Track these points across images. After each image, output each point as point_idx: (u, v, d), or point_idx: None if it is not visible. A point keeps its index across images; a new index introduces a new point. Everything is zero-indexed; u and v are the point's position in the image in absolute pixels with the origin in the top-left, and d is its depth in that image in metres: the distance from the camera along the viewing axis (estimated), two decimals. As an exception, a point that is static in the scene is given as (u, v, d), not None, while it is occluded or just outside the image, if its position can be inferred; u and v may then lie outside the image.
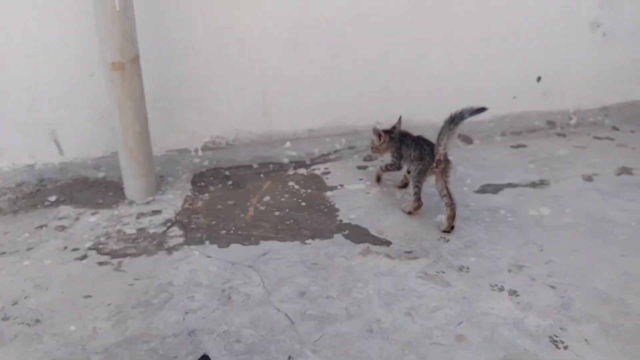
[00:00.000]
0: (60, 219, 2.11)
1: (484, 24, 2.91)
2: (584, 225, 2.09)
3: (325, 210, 2.23)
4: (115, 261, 1.84)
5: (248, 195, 2.37)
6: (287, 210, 2.23)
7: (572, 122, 3.30)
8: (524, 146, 2.98)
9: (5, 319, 1.54)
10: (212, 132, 2.69)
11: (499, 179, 2.54)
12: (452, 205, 2.03)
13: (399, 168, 2.30)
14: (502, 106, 3.21)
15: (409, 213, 2.17)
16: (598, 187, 2.44)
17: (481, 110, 1.98)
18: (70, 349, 1.43)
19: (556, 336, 1.48)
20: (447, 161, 2.05)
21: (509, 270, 1.79)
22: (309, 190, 2.42)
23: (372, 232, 2.05)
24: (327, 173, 2.61)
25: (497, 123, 3.22)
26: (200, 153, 2.68)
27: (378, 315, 1.57)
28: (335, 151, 2.84)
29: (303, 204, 2.29)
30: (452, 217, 2.03)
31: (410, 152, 2.16)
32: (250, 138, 2.77)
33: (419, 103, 2.99)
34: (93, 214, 2.16)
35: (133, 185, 2.24)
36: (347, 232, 2.05)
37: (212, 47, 2.45)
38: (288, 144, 2.83)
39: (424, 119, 3.03)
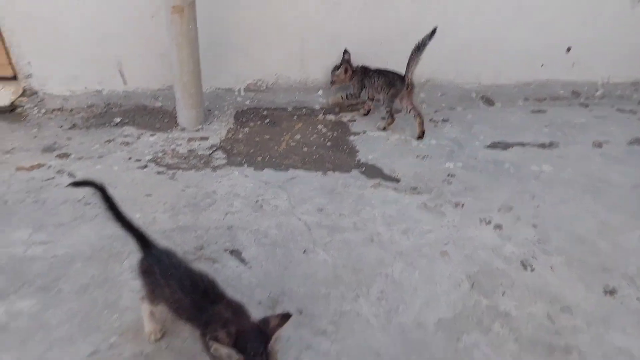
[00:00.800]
0: (125, 136, 2.52)
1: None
2: (580, 183, 2.32)
3: (347, 150, 2.54)
4: (170, 172, 2.23)
5: (282, 133, 2.70)
6: (314, 147, 2.56)
7: (598, 93, 3.40)
8: (543, 112, 3.15)
9: (86, 204, 1.96)
10: (254, 76, 3.01)
11: (511, 137, 2.76)
12: (420, 115, 2.61)
13: (358, 97, 2.80)
14: (528, 73, 3.36)
15: (384, 129, 2.72)
16: (605, 152, 2.62)
17: (434, 32, 2.41)
18: (136, 229, 1.83)
19: (526, 261, 1.77)
20: (413, 85, 2.58)
21: (499, 210, 2.07)
22: (335, 134, 2.73)
23: (386, 170, 2.35)
24: (353, 121, 2.90)
25: (521, 89, 3.38)
26: (242, 93, 3.02)
27: (379, 231, 1.90)
28: (363, 102, 3.11)
29: (329, 144, 2.61)
30: (421, 123, 2.63)
31: (375, 81, 2.63)
32: (287, 84, 3.07)
33: (443, 64, 3.18)
34: (152, 135, 2.55)
35: (185, 114, 2.61)
36: (363, 169, 2.36)
37: (260, 1, 2.73)
38: (320, 92, 3.12)
39: (447, 78, 3.26)
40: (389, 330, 1.42)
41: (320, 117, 2.94)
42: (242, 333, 1.07)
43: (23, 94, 2.69)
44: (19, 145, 2.36)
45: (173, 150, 2.42)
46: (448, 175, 2.34)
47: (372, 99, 2.82)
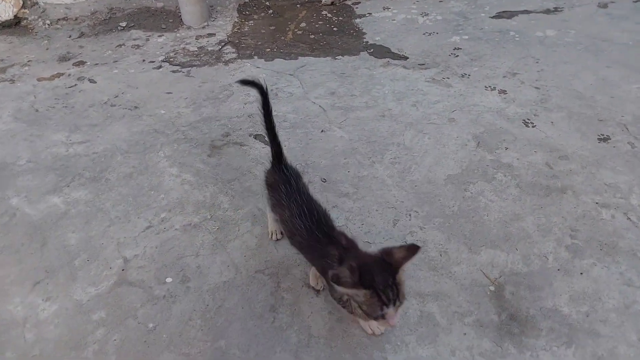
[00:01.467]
0: (134, 39, 2.56)
1: None
2: (582, 44, 2.35)
3: (354, 34, 2.56)
4: (184, 70, 2.31)
5: (287, 23, 2.70)
6: (320, 34, 2.58)
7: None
8: (550, -23, 3.04)
9: (112, 105, 2.09)
10: (251, -35, 2.91)
11: (516, 6, 2.73)
12: None
13: None
14: None
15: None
16: (610, 12, 2.60)
17: None
18: (164, 124, 1.97)
19: (528, 119, 1.89)
20: None
21: (504, 76, 2.14)
22: (340, 18, 2.72)
23: (393, 50, 2.40)
24: (358, 3, 2.87)
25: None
26: (242, -15, 2.95)
27: (390, 106, 2.01)
28: (365, -17, 3.03)
29: (335, 29, 2.61)
30: None
31: None
32: (286, -30, 2.98)
33: None
34: (159, 36, 2.58)
35: (189, 10, 2.60)
36: (371, 50, 2.41)
37: None
38: (321, -24, 3.03)
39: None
40: (403, 187, 1.60)
41: (324, 1, 2.89)
42: (365, 267, 0.98)
43: (24, 6, 2.68)
44: (34, 57, 2.43)
45: (183, 49, 2.47)
46: (454, 48, 2.37)
47: None
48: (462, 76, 2.16)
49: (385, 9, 2.79)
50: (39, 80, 2.25)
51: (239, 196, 1.61)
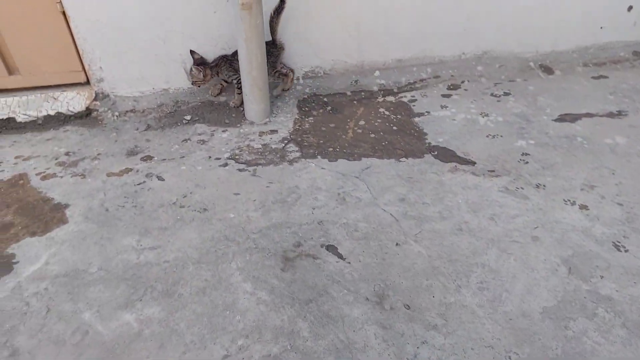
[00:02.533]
0: (199, 134, 2.61)
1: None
2: (658, 154, 2.28)
3: (415, 134, 2.56)
4: (250, 169, 2.31)
5: (345, 120, 2.74)
6: (381, 133, 2.59)
7: (662, 52, 3.28)
8: (605, 77, 3.07)
9: (181, 206, 2.08)
10: (312, 63, 3.02)
11: (577, 108, 2.72)
12: (292, 70, 2.89)
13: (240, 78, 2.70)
14: (586, 37, 3.27)
15: (284, 90, 2.95)
16: (679, 118, 2.56)
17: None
18: (234, 229, 1.94)
19: (619, 242, 1.79)
20: (282, 45, 2.78)
21: (581, 189, 2.07)
22: (398, 116, 2.74)
23: (459, 153, 2.37)
24: (414, 101, 2.90)
25: (580, 54, 3.28)
26: (301, 81, 3.05)
27: (466, 218, 1.95)
28: (421, 80, 3.10)
29: (394, 128, 2.63)
30: (292, 79, 2.92)
31: None
32: (344, 68, 3.08)
33: (502, 34, 3.12)
34: (223, 131, 2.63)
35: (253, 108, 2.67)
36: (436, 153, 2.39)
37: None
38: (377, 73, 3.12)
39: (507, 49, 3.19)
40: (497, 320, 1.49)
41: (380, 99, 2.95)
42: None
43: (96, 98, 2.79)
44: (103, 150, 2.48)
45: (248, 146, 2.49)
46: (522, 154, 2.34)
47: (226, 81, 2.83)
48: (537, 187, 2.10)
49: (443, 107, 2.81)
50: (108, 175, 2.28)
51: (318, 322, 1.52)
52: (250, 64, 2.48)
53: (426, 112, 2.76)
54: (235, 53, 2.64)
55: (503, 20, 3.06)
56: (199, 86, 2.77)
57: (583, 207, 1.97)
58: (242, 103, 2.78)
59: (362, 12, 2.87)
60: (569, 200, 2.01)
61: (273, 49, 2.71)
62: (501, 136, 2.50)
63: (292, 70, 2.89)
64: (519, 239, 1.82)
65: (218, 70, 2.71)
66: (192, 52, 2.65)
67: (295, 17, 2.80)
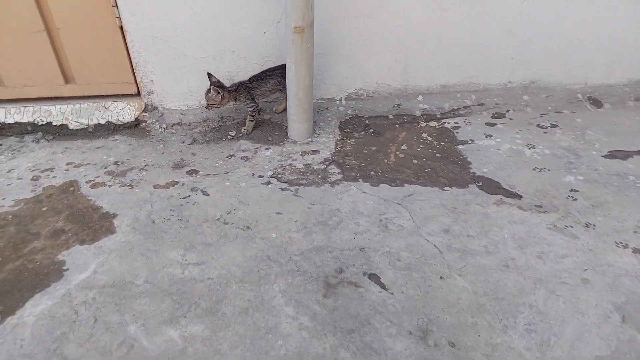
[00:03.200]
0: (243, 150, 2.65)
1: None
2: None
3: (459, 162, 2.53)
4: (292, 188, 2.33)
5: (387, 143, 2.73)
6: (423, 159, 2.57)
7: None
8: (659, 114, 2.97)
9: (225, 223, 2.10)
10: (356, 85, 3.04)
11: (629, 145, 2.64)
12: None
13: (258, 106, 2.75)
14: (639, 71, 3.17)
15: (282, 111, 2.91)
16: None
17: None
18: (276, 250, 1.95)
19: (675, 291, 1.71)
20: None
21: (634, 232, 2.00)
22: (441, 143, 2.72)
23: (504, 185, 2.33)
24: (457, 127, 2.88)
25: (632, 88, 3.20)
26: (344, 102, 3.07)
27: (513, 254, 1.90)
28: (465, 107, 3.07)
29: (437, 155, 2.60)
30: None
31: (267, 87, 2.71)
32: (388, 91, 3.08)
33: (551, 65, 3.07)
34: (267, 149, 2.67)
35: (297, 128, 2.69)
36: (480, 183, 2.35)
37: (366, 12, 2.73)
38: (420, 97, 3.11)
39: (554, 80, 3.14)
40: (546, 366, 1.44)
41: (423, 124, 2.93)
42: None
43: (145, 110, 2.88)
44: (150, 162, 2.55)
45: (290, 165, 2.52)
46: (571, 190, 2.28)
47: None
48: (587, 226, 2.04)
49: (487, 136, 2.77)
50: (155, 187, 2.34)
51: (360, 353, 1.51)
52: (298, 85, 2.51)
53: (470, 140, 2.73)
54: (253, 80, 2.69)
55: (552, 51, 3.02)
56: (213, 109, 2.73)
57: (636, 251, 1.90)
58: (253, 129, 2.80)
59: (411, 38, 2.88)
60: (621, 243, 1.94)
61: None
62: (548, 170, 2.44)
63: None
64: (569, 280, 1.77)
65: (236, 95, 2.67)
66: (209, 74, 2.63)
67: (344, 40, 2.83)
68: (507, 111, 3.03)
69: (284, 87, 2.65)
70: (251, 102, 2.70)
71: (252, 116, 2.75)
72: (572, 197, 2.24)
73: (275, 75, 2.70)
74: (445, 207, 2.19)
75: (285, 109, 2.80)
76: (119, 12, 2.58)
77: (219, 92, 2.59)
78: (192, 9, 2.61)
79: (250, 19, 2.68)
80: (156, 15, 2.59)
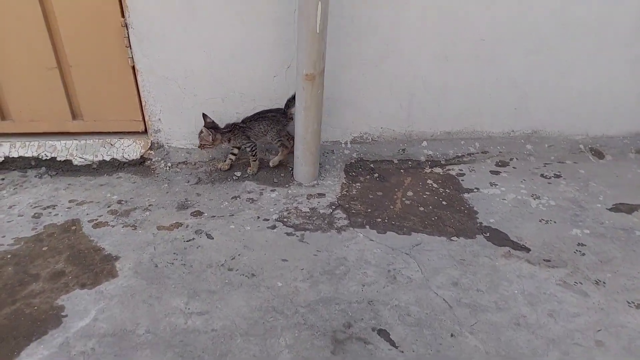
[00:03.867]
0: (248, 192, 2.63)
1: (636, 46, 2.93)
2: None
3: (465, 211, 2.53)
4: (298, 233, 2.30)
5: (393, 189, 2.73)
6: (430, 207, 2.56)
7: None
8: (660, 166, 3.01)
9: (229, 269, 2.06)
10: (361, 129, 3.06)
11: (632, 198, 2.65)
12: (286, 147, 2.80)
13: (255, 145, 2.75)
14: (638, 123, 3.24)
15: (280, 162, 2.85)
16: None
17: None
18: (282, 300, 1.90)
19: (690, 356, 1.68)
20: (292, 116, 2.66)
21: (645, 291, 1.98)
22: (447, 190, 2.72)
23: (512, 237, 2.32)
24: (462, 175, 2.89)
25: (632, 140, 3.25)
26: (349, 145, 3.08)
27: (523, 311, 1.87)
28: (469, 154, 3.09)
29: (444, 203, 2.60)
30: (286, 153, 2.83)
31: (261, 128, 2.72)
32: (392, 136, 3.11)
33: (554, 116, 3.13)
34: (272, 190, 2.65)
35: (303, 170, 2.69)
36: (487, 234, 2.34)
37: (374, 59, 2.79)
38: (425, 143, 3.14)
39: (556, 130, 3.19)
40: None
41: (428, 170, 2.94)
42: None
43: (151, 148, 2.87)
44: (154, 201, 2.52)
45: (296, 208, 2.50)
46: (578, 244, 2.27)
47: (238, 149, 2.81)
48: (597, 283, 2.02)
49: (492, 184, 2.78)
50: (158, 228, 2.30)
51: (372, 417, 1.44)
52: (306, 129, 2.53)
53: (475, 188, 2.74)
54: (247, 120, 2.72)
55: (554, 102, 3.08)
56: (206, 149, 2.73)
57: (649, 311, 1.87)
58: (258, 170, 2.81)
59: (416, 86, 2.93)
60: (633, 303, 1.91)
61: (282, 118, 2.73)
62: (554, 222, 2.44)
63: (291, 139, 2.75)
64: (582, 342, 1.73)
65: (230, 137, 2.68)
66: (204, 115, 2.63)
67: (350, 87, 2.87)
68: (511, 159, 3.06)
69: (271, 130, 2.72)
70: (248, 142, 2.72)
71: (254, 156, 2.76)
72: (580, 251, 2.22)
73: (268, 117, 2.72)
74: (453, 258, 2.17)
75: (280, 163, 2.84)
76: (132, 52, 2.61)
77: (210, 133, 2.60)
78: (204, 51, 2.65)
79: (261, 64, 2.72)
80: (169, 56, 2.63)
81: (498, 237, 2.32)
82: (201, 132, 2.63)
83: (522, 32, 2.81)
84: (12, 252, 2.10)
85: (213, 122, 2.67)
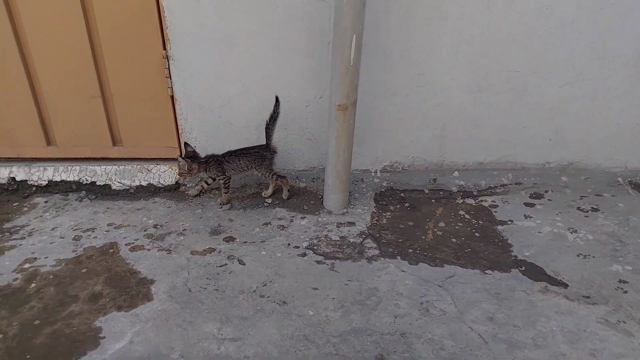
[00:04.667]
0: (279, 219, 2.66)
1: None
2: None
3: (499, 244, 2.48)
4: (328, 262, 2.30)
5: (424, 219, 2.71)
6: (462, 238, 2.52)
7: None
8: None
9: (261, 296, 2.07)
10: (391, 158, 3.08)
11: (677, 234, 2.55)
12: (284, 176, 2.82)
13: (230, 177, 2.78)
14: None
15: (272, 195, 2.87)
16: None
17: (277, 100, 2.62)
18: (313, 329, 1.89)
19: None
20: (276, 150, 2.77)
21: (695, 333, 1.88)
22: (480, 222, 2.68)
23: (548, 272, 2.25)
24: (495, 206, 2.84)
25: (674, 173, 3.14)
26: (379, 174, 3.09)
27: (563, 350, 1.79)
28: (502, 185, 3.05)
29: (477, 234, 2.56)
30: (287, 183, 2.82)
31: (240, 164, 2.74)
32: (423, 165, 3.11)
33: (591, 148, 3.06)
34: (302, 218, 2.67)
35: (333, 198, 2.71)
36: (523, 268, 2.28)
37: (406, 89, 2.83)
38: (456, 173, 3.12)
39: (593, 162, 3.12)
40: None
41: (459, 200, 2.91)
42: None
43: (185, 174, 2.95)
44: (188, 226, 2.57)
45: (326, 236, 2.50)
46: (619, 281, 2.18)
47: (213, 179, 2.84)
48: (642, 323, 1.93)
49: (526, 217, 2.72)
50: (192, 253, 2.34)
51: None
52: (338, 158, 2.56)
53: (509, 220, 2.69)
54: (227, 155, 2.74)
55: (591, 134, 3.03)
56: (185, 178, 2.79)
57: (700, 355, 1.77)
58: (229, 201, 2.82)
59: (448, 116, 2.94)
60: (683, 345, 1.82)
61: (267, 152, 2.73)
62: (593, 257, 2.36)
63: (284, 176, 2.83)
64: (628, 385, 1.65)
65: (207, 167, 2.72)
66: (186, 144, 2.70)
67: (382, 116, 2.91)
68: (546, 191, 3.00)
69: (259, 166, 2.74)
70: (221, 175, 2.74)
71: (226, 188, 2.78)
72: (622, 288, 2.14)
73: (251, 154, 2.74)
74: (488, 292, 2.12)
75: (273, 194, 2.87)
76: (171, 82, 2.73)
77: (186, 162, 2.64)
78: (240, 82, 2.74)
79: (294, 94, 2.80)
80: (206, 86, 2.73)
81: (534, 271, 2.26)
82: (179, 160, 2.68)
83: (558, 64, 2.80)
84: (54, 273, 2.17)
85: (194, 151, 2.73)
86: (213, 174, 2.75)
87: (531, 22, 2.70)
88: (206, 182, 2.86)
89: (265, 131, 2.69)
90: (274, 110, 2.63)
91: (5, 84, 2.76)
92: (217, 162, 2.73)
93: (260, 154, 2.73)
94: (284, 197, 2.84)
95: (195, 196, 2.88)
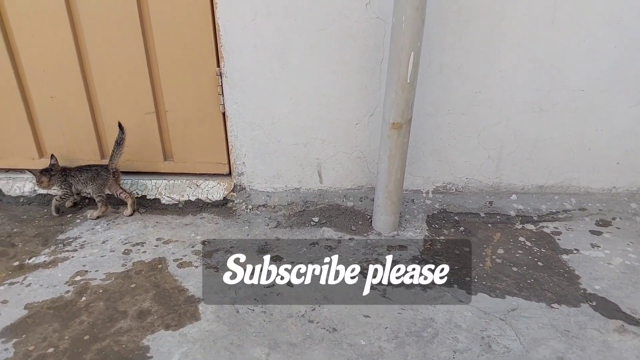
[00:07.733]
0: (326, 239, 2.58)
1: None
2: None
3: (565, 275, 2.29)
4: (380, 288, 2.19)
5: (481, 245, 2.55)
6: (524, 267, 2.35)
7: None
8: None
9: (310, 321, 1.98)
10: (444, 179, 2.95)
11: None
12: (131, 195, 2.85)
13: (72, 194, 2.80)
14: None
15: (98, 217, 2.79)
16: None
17: (120, 127, 2.72)
18: (365, 359, 1.78)
19: None
20: (119, 172, 2.86)
21: None
22: (542, 250, 2.50)
23: (623, 308, 2.05)
24: (558, 233, 2.65)
25: None
26: (431, 195, 2.97)
27: (649, 403, 1.60)
28: (565, 210, 2.85)
29: (540, 264, 2.38)
30: (133, 203, 2.85)
31: (81, 178, 2.76)
32: (478, 187, 2.95)
33: (665, 172, 2.82)
34: (350, 239, 2.58)
35: (383, 219, 2.60)
36: (594, 303, 2.08)
37: (462, 108, 2.71)
38: (514, 196, 2.94)
39: (667, 188, 2.86)
40: None
41: (518, 226, 2.74)
42: None
43: (233, 190, 2.94)
44: (236, 243, 2.54)
45: (376, 260, 2.40)
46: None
47: (77, 194, 2.86)
48: None
49: (593, 246, 2.51)
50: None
51: None
52: (389, 178, 2.46)
53: (575, 249, 2.49)
54: (79, 169, 2.75)
55: (666, 158, 2.79)
56: (42, 188, 2.74)
57: None
58: (98, 217, 2.79)
59: (506, 136, 2.79)
60: None
61: (104, 172, 2.76)
62: (675, 295, 2.13)
63: (131, 195, 2.85)
64: None
65: (53, 179, 2.71)
66: (52, 155, 2.75)
67: (435, 135, 2.80)
68: (613, 219, 2.77)
69: (92, 183, 2.75)
70: (64, 188, 2.75)
71: (60, 199, 2.79)
72: None
73: (91, 170, 2.75)
74: (556, 328, 1.94)
75: (129, 215, 2.83)
76: (223, 99, 2.73)
77: (35, 175, 2.68)
78: (291, 99, 2.71)
79: (344, 111, 2.74)
80: (258, 104, 2.72)
81: (607, 308, 2.06)
82: (33, 172, 2.70)
83: (628, 82, 2.61)
84: (103, 287, 2.17)
85: (56, 163, 2.76)
86: (56, 185, 2.76)
87: (600, 38, 2.53)
88: (60, 196, 2.81)
89: (111, 152, 2.76)
90: (118, 136, 2.72)
91: (65, 101, 2.86)
92: (63, 175, 2.76)
93: (98, 172, 2.74)
94: (125, 214, 2.84)
95: (70, 207, 2.92)
